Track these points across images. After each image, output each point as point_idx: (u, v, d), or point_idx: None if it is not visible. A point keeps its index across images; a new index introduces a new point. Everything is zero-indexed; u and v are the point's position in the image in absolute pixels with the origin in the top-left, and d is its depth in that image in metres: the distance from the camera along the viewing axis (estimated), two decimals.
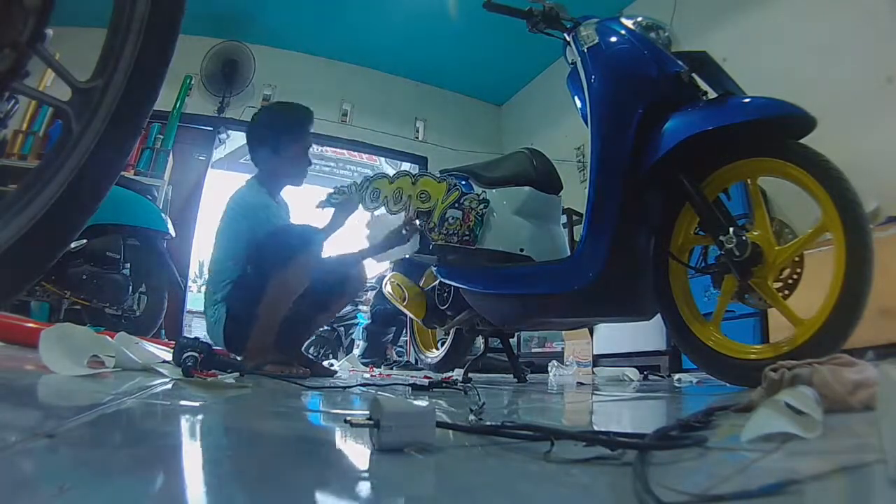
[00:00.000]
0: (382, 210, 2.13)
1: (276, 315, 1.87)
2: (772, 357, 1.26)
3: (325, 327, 4.96)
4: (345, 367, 2.92)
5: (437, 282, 2.22)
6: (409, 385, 1.50)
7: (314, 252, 1.93)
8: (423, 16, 4.63)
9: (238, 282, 1.92)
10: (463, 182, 2.08)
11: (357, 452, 0.52)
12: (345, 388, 1.41)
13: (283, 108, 2.11)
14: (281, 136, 1.97)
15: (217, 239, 2.01)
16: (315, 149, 2.37)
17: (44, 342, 0.89)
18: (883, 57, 2.57)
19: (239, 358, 1.87)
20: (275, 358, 1.85)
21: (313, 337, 4.82)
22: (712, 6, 3.54)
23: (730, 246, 1.33)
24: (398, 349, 4.73)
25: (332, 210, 2.12)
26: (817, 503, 0.36)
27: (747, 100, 1.41)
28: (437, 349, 2.72)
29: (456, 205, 2.02)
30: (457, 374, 2.26)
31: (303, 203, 2.35)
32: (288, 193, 2.17)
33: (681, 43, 1.65)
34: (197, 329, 6.75)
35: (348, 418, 0.50)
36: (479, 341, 2.56)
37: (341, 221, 2.06)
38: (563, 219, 3.03)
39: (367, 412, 0.50)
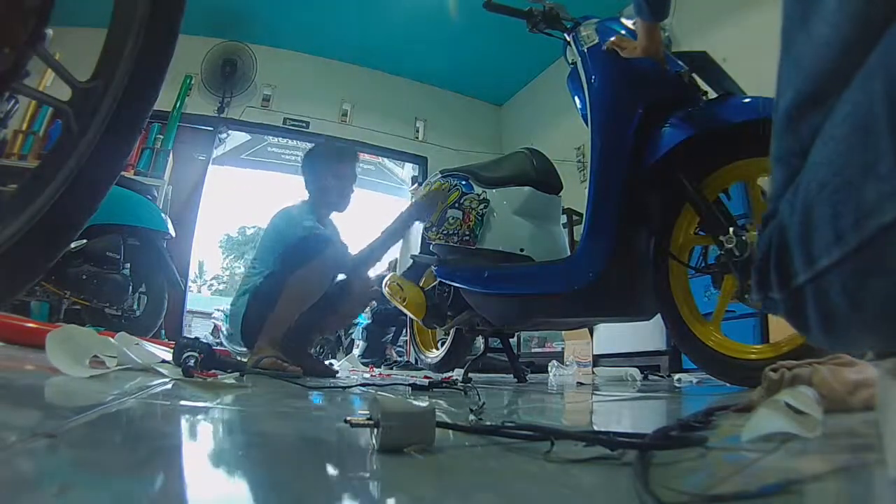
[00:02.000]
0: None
1: (290, 313, 2.01)
2: (772, 357, 1.26)
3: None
4: (345, 367, 2.92)
5: (437, 282, 2.22)
6: (409, 385, 1.50)
7: (337, 260, 2.07)
8: (423, 16, 4.63)
9: (266, 279, 2.07)
10: (463, 182, 2.08)
11: (357, 452, 0.52)
12: (345, 388, 1.41)
13: (332, 148, 2.42)
14: (328, 171, 2.23)
15: (260, 242, 2.27)
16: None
17: (50, 344, 0.89)
18: None
19: (244, 358, 1.90)
20: (275, 354, 1.91)
21: (321, 338, 4.83)
22: (712, 6, 3.54)
23: (730, 246, 1.33)
24: (398, 349, 4.73)
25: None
26: (817, 503, 0.36)
27: (747, 100, 1.41)
28: (437, 349, 2.72)
29: (456, 205, 2.02)
30: (457, 374, 2.26)
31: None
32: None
33: (681, 43, 1.65)
34: (197, 329, 6.76)
35: (348, 418, 0.50)
36: (479, 341, 2.57)
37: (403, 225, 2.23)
38: (563, 219, 3.03)
39: (367, 412, 0.50)
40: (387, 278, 2.51)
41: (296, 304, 2.01)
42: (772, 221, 0.34)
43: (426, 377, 2.01)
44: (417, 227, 2.30)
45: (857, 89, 0.27)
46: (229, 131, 5.05)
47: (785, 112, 0.33)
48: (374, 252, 2.17)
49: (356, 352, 4.48)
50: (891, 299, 0.26)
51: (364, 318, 5.14)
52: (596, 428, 0.80)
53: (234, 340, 2.14)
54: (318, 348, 5.07)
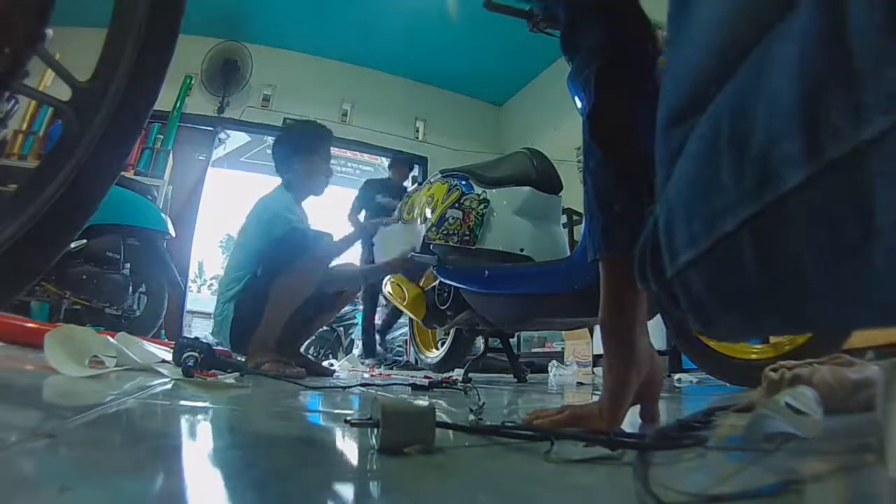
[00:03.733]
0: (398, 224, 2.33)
1: (281, 316, 1.94)
2: (772, 357, 1.26)
3: (325, 327, 4.96)
4: (345, 367, 2.92)
5: (437, 282, 2.22)
6: (409, 385, 1.50)
7: (323, 258, 2.03)
8: (423, 16, 4.63)
9: (249, 282, 2.00)
10: (463, 182, 2.08)
11: (357, 452, 0.52)
12: (345, 388, 1.41)
13: (304, 126, 2.36)
14: (302, 151, 2.15)
15: (238, 240, 2.16)
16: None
17: (48, 344, 0.89)
18: None
19: (242, 358, 1.90)
20: (274, 357, 1.88)
21: (312, 337, 4.82)
22: None
23: None
24: (398, 349, 4.73)
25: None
26: (817, 503, 0.36)
27: None
28: (437, 349, 2.72)
29: (456, 205, 2.02)
30: (457, 374, 2.26)
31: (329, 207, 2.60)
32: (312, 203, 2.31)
33: None
34: (197, 329, 6.76)
35: (348, 418, 0.50)
36: (479, 341, 2.57)
37: (356, 238, 2.26)
38: (563, 219, 3.03)
39: (367, 412, 0.50)
40: (387, 278, 2.51)
41: (288, 303, 1.95)
42: (650, 219, 0.38)
43: (426, 377, 2.01)
44: (418, 229, 2.30)
45: (712, 115, 0.30)
46: (229, 132, 5.06)
47: (663, 120, 0.36)
48: (358, 274, 2.25)
49: (356, 352, 4.48)
50: (741, 294, 0.30)
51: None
52: None
53: (224, 346, 2.09)
54: (317, 348, 5.07)
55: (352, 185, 7.32)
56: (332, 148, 2.25)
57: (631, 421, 0.94)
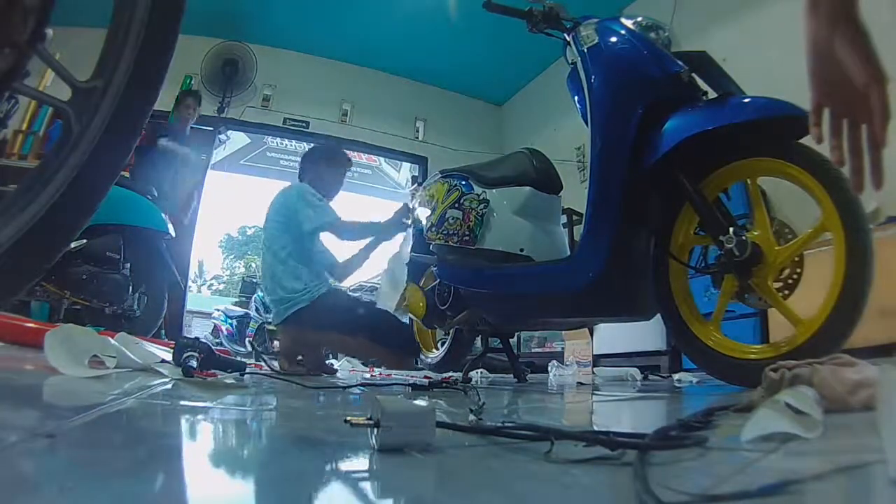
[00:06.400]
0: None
1: (332, 347, 2.57)
2: (772, 357, 1.26)
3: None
4: (345, 367, 2.92)
5: (437, 282, 2.22)
6: (409, 385, 1.50)
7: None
8: (423, 16, 4.63)
9: (323, 296, 2.36)
10: (463, 182, 2.08)
11: (357, 452, 0.52)
12: (345, 388, 1.41)
13: (328, 149, 2.86)
14: (323, 168, 2.63)
15: (267, 226, 2.51)
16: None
17: (48, 343, 0.89)
18: (882, 57, 2.57)
19: (240, 359, 1.94)
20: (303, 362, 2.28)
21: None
22: (712, 6, 3.54)
23: (730, 246, 1.33)
24: None
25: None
26: (817, 503, 0.36)
27: (747, 100, 1.41)
28: (437, 349, 2.71)
29: (456, 205, 2.02)
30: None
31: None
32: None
33: (681, 43, 1.65)
34: (197, 329, 6.75)
35: (348, 418, 0.50)
36: (479, 341, 2.56)
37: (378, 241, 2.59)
38: (563, 219, 3.03)
39: (367, 412, 0.50)
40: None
41: (344, 349, 2.65)
42: None
43: (426, 377, 2.01)
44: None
45: None
46: (230, 132, 5.05)
47: None
48: (363, 230, 2.50)
49: None
50: None
51: None
52: (596, 428, 0.80)
53: (272, 307, 2.46)
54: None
55: (350, 187, 7.31)
56: (345, 174, 2.72)
57: (631, 421, 0.94)
